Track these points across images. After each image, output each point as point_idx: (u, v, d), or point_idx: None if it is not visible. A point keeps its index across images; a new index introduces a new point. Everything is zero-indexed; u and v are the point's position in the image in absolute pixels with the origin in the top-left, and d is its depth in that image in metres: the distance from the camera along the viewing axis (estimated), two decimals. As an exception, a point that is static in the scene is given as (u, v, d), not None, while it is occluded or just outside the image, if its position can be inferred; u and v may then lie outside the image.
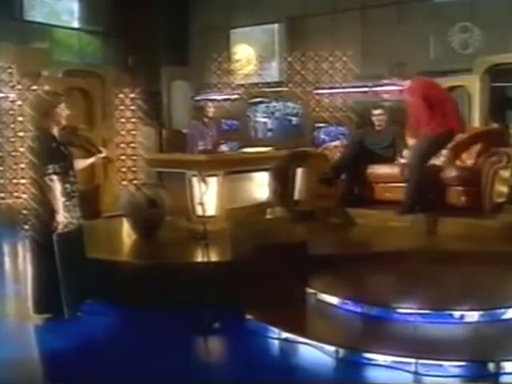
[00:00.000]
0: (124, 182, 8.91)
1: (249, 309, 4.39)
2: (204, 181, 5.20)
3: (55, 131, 4.53)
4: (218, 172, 6.03)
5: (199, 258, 5.11)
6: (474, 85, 9.02)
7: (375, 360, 3.66)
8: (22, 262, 6.59)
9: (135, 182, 8.40)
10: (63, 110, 4.53)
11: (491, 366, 3.52)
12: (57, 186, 4.37)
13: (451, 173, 6.31)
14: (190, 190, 5.90)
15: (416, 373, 3.54)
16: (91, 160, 5.06)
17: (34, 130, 4.74)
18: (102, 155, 5.21)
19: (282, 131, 10.67)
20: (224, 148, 7.04)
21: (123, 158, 9.11)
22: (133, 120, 9.23)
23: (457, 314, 4.12)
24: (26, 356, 4.00)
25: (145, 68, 11.31)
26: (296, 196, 7.07)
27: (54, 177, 4.36)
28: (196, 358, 4.09)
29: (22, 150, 7.99)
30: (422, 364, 3.54)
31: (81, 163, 4.87)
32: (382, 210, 6.61)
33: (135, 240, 5.92)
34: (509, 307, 4.17)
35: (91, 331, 4.34)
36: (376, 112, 7.20)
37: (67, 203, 4.47)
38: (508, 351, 3.72)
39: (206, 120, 7.72)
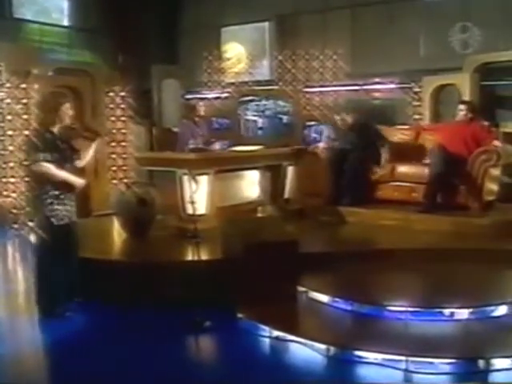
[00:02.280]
0: (114, 181, 8.88)
1: (240, 307, 4.39)
2: (194, 179, 5.18)
3: (55, 128, 4.51)
4: (208, 170, 6.01)
5: (190, 256, 5.10)
6: (464, 83, 9.06)
7: (366, 358, 3.67)
8: (11, 261, 6.57)
9: (125, 180, 8.37)
10: (68, 109, 4.54)
11: (481, 363, 3.53)
12: (45, 173, 4.37)
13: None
14: (181, 188, 5.88)
15: (407, 370, 3.55)
16: (93, 147, 4.76)
17: (37, 125, 4.77)
18: (100, 138, 4.94)
19: (273, 129, 10.65)
20: (217, 146, 6.99)
21: (114, 156, 9.08)
22: (123, 118, 9.20)
23: (447, 311, 4.14)
24: (12, 355, 3.97)
25: (135, 66, 11.25)
26: (287, 194, 7.07)
27: (44, 164, 4.36)
28: (187, 356, 4.09)
29: (11, 148, 7.94)
30: (413, 361, 3.55)
31: (87, 155, 4.72)
32: (373, 209, 6.64)
33: (125, 239, 5.90)
34: (498, 304, 4.20)
35: (80, 330, 4.33)
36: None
37: (62, 196, 4.47)
38: (498, 348, 3.73)
39: (196, 119, 7.70)
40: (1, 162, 8.05)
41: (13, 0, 11.11)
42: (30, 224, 4.69)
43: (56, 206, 4.44)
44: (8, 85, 8.05)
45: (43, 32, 11.40)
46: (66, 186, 4.50)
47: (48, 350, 4.07)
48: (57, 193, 4.45)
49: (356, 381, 3.62)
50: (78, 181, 4.58)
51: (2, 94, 8.04)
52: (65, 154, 4.53)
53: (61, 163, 4.46)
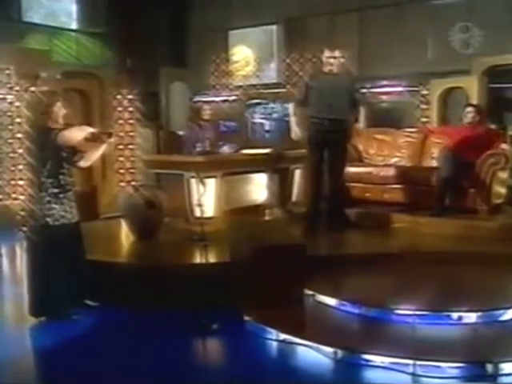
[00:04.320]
0: (122, 184, 8.91)
1: (247, 310, 4.39)
2: (202, 182, 5.19)
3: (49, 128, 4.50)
4: (216, 173, 6.02)
5: (197, 259, 5.11)
6: (471, 86, 9.04)
7: (373, 361, 3.66)
8: (19, 264, 6.58)
9: (133, 183, 8.39)
10: (60, 109, 4.54)
11: (489, 367, 3.52)
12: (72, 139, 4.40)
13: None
14: (188, 191, 5.89)
15: (414, 374, 3.53)
16: (102, 148, 4.65)
17: (31, 128, 4.78)
18: (112, 140, 4.76)
19: (280, 132, 10.66)
20: (225, 149, 6.98)
21: (121, 159, 9.12)
22: (131, 121, 9.24)
23: (455, 315, 4.12)
24: (17, 359, 3.97)
25: (143, 69, 11.30)
26: (294, 197, 7.07)
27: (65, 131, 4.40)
28: (194, 359, 4.09)
29: (20, 151, 7.99)
30: (420, 365, 3.54)
31: (92, 156, 4.68)
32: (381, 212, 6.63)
33: (133, 242, 5.92)
34: (507, 308, 4.18)
35: (87, 334, 4.33)
36: None
37: (60, 195, 4.48)
38: (506, 352, 3.71)
39: (202, 122, 7.71)
40: (10, 164, 8.10)
41: (22, 3, 11.18)
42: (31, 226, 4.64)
43: (53, 205, 4.44)
44: (17, 88, 8.11)
45: (51, 35, 11.45)
46: (64, 186, 4.49)
47: (48, 353, 4.06)
48: (56, 191, 4.45)
49: (363, 384, 3.62)
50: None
51: (12, 96, 8.10)
52: (62, 155, 4.49)
53: (58, 164, 4.47)
